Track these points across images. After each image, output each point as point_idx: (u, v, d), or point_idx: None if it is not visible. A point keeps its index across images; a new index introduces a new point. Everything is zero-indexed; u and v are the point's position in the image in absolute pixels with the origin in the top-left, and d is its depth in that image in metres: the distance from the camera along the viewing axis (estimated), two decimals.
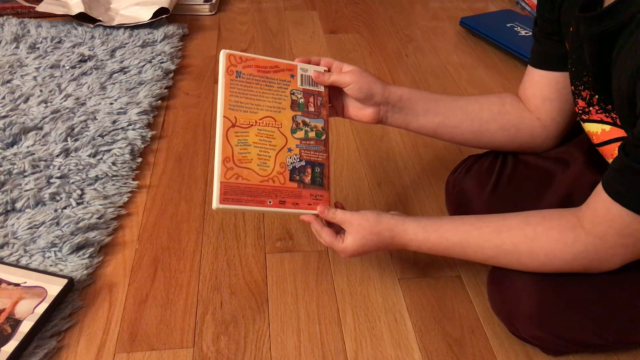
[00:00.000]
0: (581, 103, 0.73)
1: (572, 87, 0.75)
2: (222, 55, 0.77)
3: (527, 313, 0.71)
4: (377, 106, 0.82)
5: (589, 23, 0.64)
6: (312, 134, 0.80)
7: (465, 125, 0.85)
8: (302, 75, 0.81)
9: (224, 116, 0.75)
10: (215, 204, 0.71)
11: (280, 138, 0.78)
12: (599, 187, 0.63)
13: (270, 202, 0.75)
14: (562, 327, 0.70)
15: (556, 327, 0.71)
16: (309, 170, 0.78)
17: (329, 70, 0.82)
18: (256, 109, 0.77)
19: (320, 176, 0.79)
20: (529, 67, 0.84)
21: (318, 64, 0.83)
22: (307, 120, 0.80)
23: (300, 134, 0.79)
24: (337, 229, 0.78)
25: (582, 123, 0.75)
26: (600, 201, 0.62)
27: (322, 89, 0.82)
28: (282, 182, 0.76)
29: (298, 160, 0.78)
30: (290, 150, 0.78)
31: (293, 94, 0.80)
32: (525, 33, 1.58)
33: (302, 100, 0.80)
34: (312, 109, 0.81)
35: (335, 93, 0.84)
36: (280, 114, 0.78)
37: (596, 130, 0.72)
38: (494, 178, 0.86)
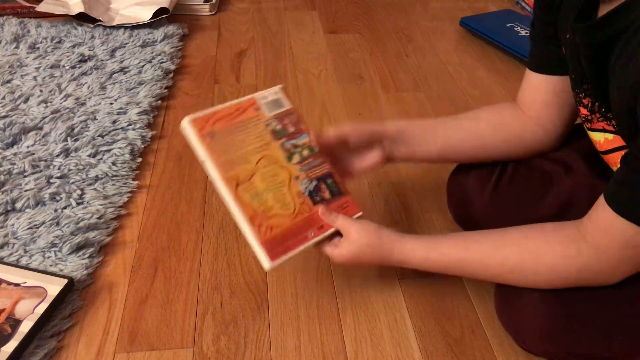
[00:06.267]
0: (583, 111, 0.72)
1: (574, 94, 0.74)
2: (186, 124, 0.72)
3: (536, 328, 0.70)
4: (381, 144, 0.82)
5: (585, 33, 0.63)
6: (306, 152, 0.79)
7: (467, 143, 0.85)
8: (264, 104, 0.79)
9: (224, 180, 0.71)
10: (267, 266, 0.70)
11: (283, 172, 0.76)
12: (601, 200, 0.62)
13: (311, 233, 0.74)
14: (572, 342, 0.69)
15: (566, 342, 0.69)
16: (324, 186, 0.78)
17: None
18: (248, 157, 0.75)
19: (335, 186, 0.79)
20: (528, 72, 0.83)
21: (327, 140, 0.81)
22: (293, 142, 0.79)
23: (296, 158, 0.78)
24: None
25: (586, 131, 0.75)
26: (602, 214, 0.61)
27: (289, 106, 0.81)
28: (309, 210, 0.76)
29: (309, 182, 0.77)
30: (297, 178, 0.77)
31: (268, 125, 0.78)
32: (525, 33, 1.58)
33: (279, 127, 0.79)
34: (291, 129, 0.80)
35: (340, 155, 0.83)
36: (269, 149, 0.77)
37: (599, 139, 0.71)
38: (495, 179, 0.86)
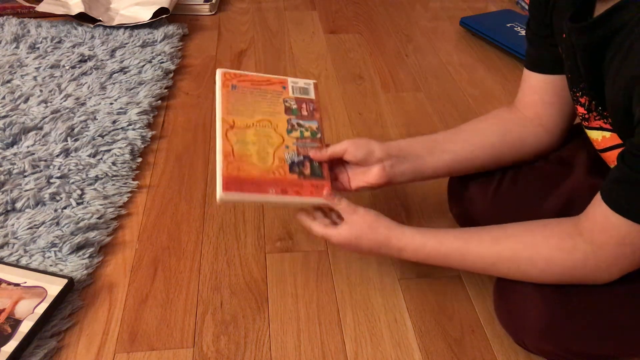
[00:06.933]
0: (580, 109, 0.72)
1: (571, 93, 0.74)
2: (218, 73, 0.81)
3: (535, 328, 0.70)
4: (381, 162, 0.80)
5: (581, 32, 0.63)
6: (307, 134, 0.82)
7: (475, 155, 0.84)
8: (292, 86, 0.85)
9: (222, 119, 0.77)
10: (219, 194, 0.72)
11: (277, 137, 0.80)
12: (598, 197, 0.62)
13: (272, 191, 0.75)
14: (572, 341, 0.69)
15: (566, 342, 0.69)
16: (308, 164, 0.80)
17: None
18: (252, 114, 0.80)
19: (319, 168, 0.80)
20: (526, 72, 0.82)
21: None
22: (301, 122, 0.82)
23: (295, 134, 0.81)
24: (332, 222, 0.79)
25: (584, 129, 0.75)
26: (599, 210, 0.62)
27: (313, 96, 0.85)
28: (282, 174, 0.77)
29: (296, 155, 0.79)
30: (287, 147, 0.79)
31: (286, 101, 0.83)
32: None
33: (295, 107, 0.83)
34: (305, 113, 0.83)
35: (339, 168, 0.83)
36: (275, 117, 0.81)
37: (597, 137, 0.71)
38: (497, 179, 0.86)
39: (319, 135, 0.82)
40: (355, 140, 0.81)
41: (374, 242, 0.76)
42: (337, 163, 0.83)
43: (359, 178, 0.82)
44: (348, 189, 0.83)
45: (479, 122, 0.87)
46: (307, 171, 0.79)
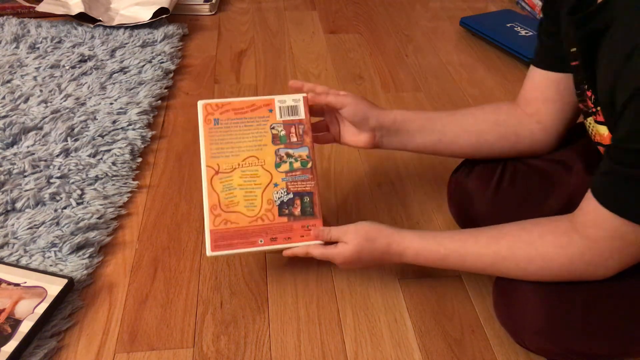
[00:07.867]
0: (589, 104, 0.73)
1: (579, 90, 0.74)
2: (199, 106, 0.79)
3: (535, 328, 0.70)
4: (372, 131, 0.83)
5: (576, 25, 0.64)
6: (297, 164, 0.80)
7: (462, 139, 0.86)
8: (280, 107, 0.81)
9: (206, 165, 0.77)
10: (208, 252, 0.74)
11: (265, 176, 0.78)
12: (589, 192, 0.63)
13: (261, 241, 0.76)
14: (572, 340, 0.69)
15: (565, 340, 0.69)
16: (298, 202, 0.79)
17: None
18: (238, 152, 0.78)
19: (310, 205, 0.79)
20: (531, 68, 0.83)
21: (314, 89, 0.84)
22: (290, 151, 0.80)
23: (284, 167, 0.79)
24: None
25: (593, 125, 0.75)
26: (590, 205, 0.62)
27: (302, 116, 0.82)
28: (271, 219, 0.77)
29: (285, 193, 0.78)
30: (276, 185, 0.78)
31: (273, 128, 0.80)
32: (525, 33, 1.58)
33: (283, 133, 0.80)
34: (294, 138, 0.81)
35: (332, 119, 0.86)
36: (263, 150, 0.79)
37: (604, 132, 0.71)
38: (497, 179, 0.86)
39: (309, 165, 0.80)
40: (356, 102, 0.82)
41: (376, 253, 0.76)
42: (332, 111, 0.85)
43: (349, 137, 0.85)
44: (337, 140, 0.86)
45: (477, 109, 0.88)
46: (298, 211, 0.78)
